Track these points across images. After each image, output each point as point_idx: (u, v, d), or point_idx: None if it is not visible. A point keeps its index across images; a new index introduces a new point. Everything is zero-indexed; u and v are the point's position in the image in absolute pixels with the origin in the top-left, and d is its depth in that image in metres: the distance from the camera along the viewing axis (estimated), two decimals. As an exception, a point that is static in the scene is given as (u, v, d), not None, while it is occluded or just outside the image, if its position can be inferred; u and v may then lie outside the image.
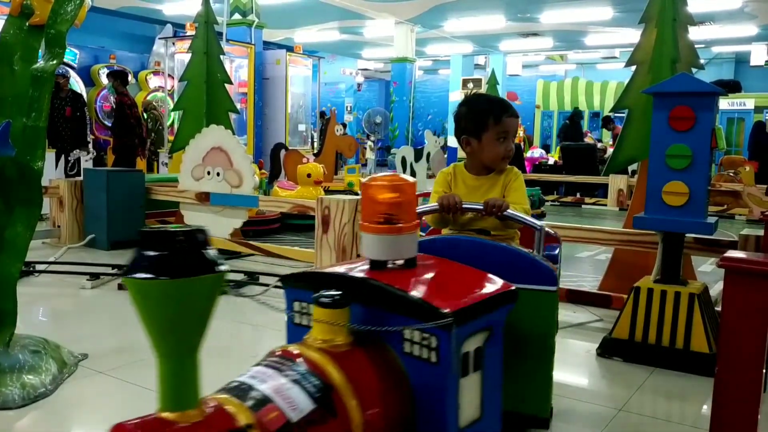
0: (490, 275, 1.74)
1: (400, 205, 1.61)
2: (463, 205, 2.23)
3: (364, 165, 16.56)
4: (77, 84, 11.36)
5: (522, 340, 2.01)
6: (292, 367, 1.36)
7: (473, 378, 1.56)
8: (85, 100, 10.22)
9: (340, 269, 1.68)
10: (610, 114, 14.73)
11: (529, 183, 11.45)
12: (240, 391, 1.28)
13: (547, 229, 2.58)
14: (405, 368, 1.51)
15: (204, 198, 5.68)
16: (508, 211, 2.16)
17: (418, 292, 1.52)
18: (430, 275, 1.69)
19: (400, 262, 1.66)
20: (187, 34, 10.00)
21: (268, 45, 13.56)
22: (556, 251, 2.52)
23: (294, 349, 1.43)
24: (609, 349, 3.34)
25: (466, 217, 2.32)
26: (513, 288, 1.71)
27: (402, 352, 1.50)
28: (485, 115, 2.35)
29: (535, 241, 2.13)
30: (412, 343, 1.49)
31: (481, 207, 2.19)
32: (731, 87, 15.09)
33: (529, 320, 2.02)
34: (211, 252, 1.15)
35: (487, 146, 2.35)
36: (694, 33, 4.39)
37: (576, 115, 15.12)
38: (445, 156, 13.22)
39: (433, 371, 1.46)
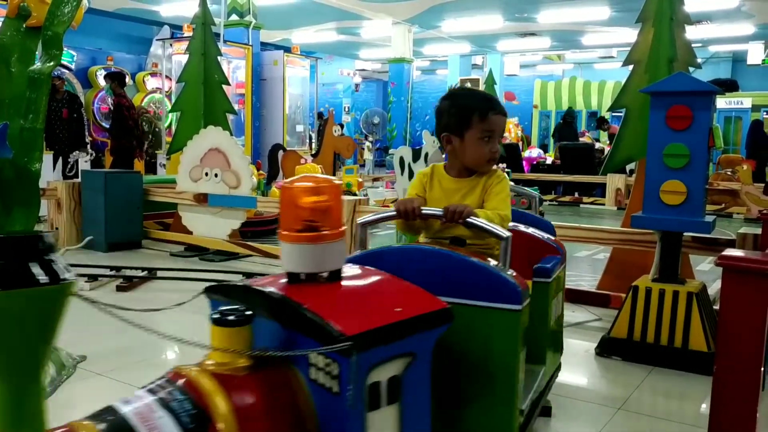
0: (424, 292, 1.51)
1: (325, 211, 1.41)
2: (423, 211, 1.99)
3: (362, 166, 16.56)
4: (74, 85, 11.35)
5: (480, 364, 1.80)
6: (172, 393, 1.23)
7: (387, 412, 1.35)
8: (82, 101, 10.21)
9: (260, 282, 1.48)
10: (605, 115, 14.76)
11: (528, 183, 11.50)
12: (103, 416, 1.17)
13: (546, 237, 2.51)
14: (312, 398, 1.31)
15: (202, 199, 5.68)
16: (472, 218, 1.90)
17: (321, 311, 1.30)
18: (350, 290, 1.48)
19: (325, 274, 1.45)
20: (185, 35, 10.00)
21: (265, 46, 13.54)
22: (551, 264, 2.32)
23: (186, 371, 1.28)
24: (608, 348, 3.34)
25: (439, 224, 2.08)
26: (446, 307, 1.47)
27: (309, 379, 1.31)
28: (470, 111, 2.12)
29: (500, 252, 1.85)
30: (317, 369, 1.29)
31: (441, 213, 1.95)
32: (728, 86, 15.14)
33: (488, 342, 1.79)
34: (58, 263, 1.04)
35: (470, 146, 2.13)
36: (691, 32, 4.40)
37: (569, 114, 15.18)
38: (443, 156, 13.20)
39: (335, 403, 1.27)
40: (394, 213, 2.04)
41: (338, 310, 1.35)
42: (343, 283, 1.47)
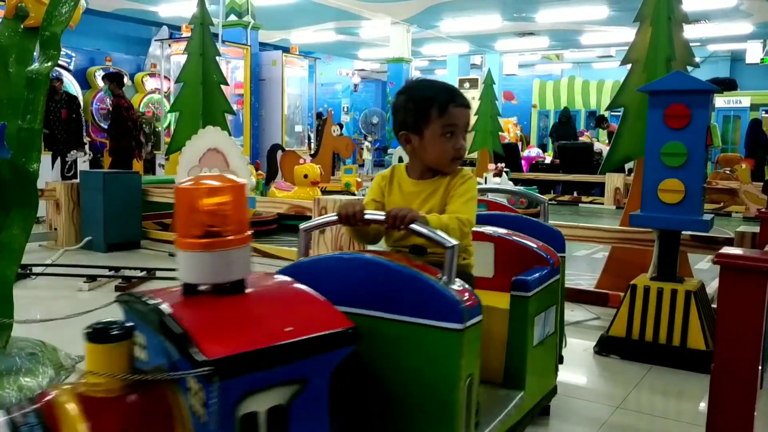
0: (332, 310, 1.34)
1: (225, 214, 1.25)
2: (365, 215, 1.75)
3: (361, 165, 16.55)
4: (72, 86, 11.34)
5: (414, 388, 1.59)
6: (27, 416, 1.12)
7: None
8: (80, 102, 10.21)
9: (156, 293, 1.31)
10: (605, 113, 14.76)
11: (526, 182, 11.50)
12: None
13: (536, 246, 2.32)
14: (191, 424, 1.17)
15: (201, 199, 5.68)
16: (414, 224, 1.64)
17: (193, 329, 1.15)
18: (243, 306, 1.29)
19: (227, 285, 1.29)
20: (183, 35, 9.99)
21: (264, 46, 13.54)
22: (533, 276, 2.11)
23: (53, 393, 1.17)
24: (606, 346, 3.34)
25: (398, 232, 1.83)
26: (350, 327, 1.30)
27: (189, 404, 1.17)
28: (427, 105, 1.91)
29: (446, 262, 1.59)
30: (193, 393, 1.15)
31: (383, 217, 1.71)
32: (727, 85, 15.15)
33: (423, 364, 1.58)
34: None
35: (431, 144, 1.92)
36: (689, 31, 4.41)
37: (564, 114, 15.21)
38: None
39: None
40: (335, 218, 1.80)
41: (213, 329, 1.18)
42: (243, 296, 1.30)
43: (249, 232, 1.30)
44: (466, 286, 1.63)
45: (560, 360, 2.62)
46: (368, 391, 1.61)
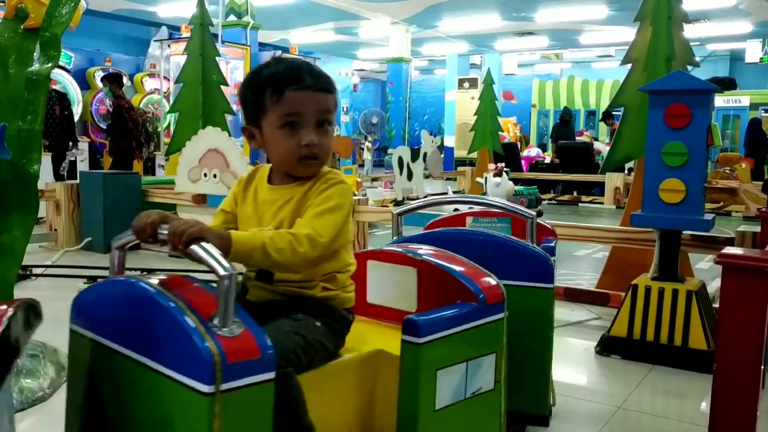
0: None
1: None
2: (159, 231, 1.33)
3: (361, 166, 16.55)
4: (71, 87, 11.34)
5: None
6: None
7: None
8: (70, 99, 10.20)
9: None
10: (611, 110, 14.75)
11: (526, 182, 11.50)
12: None
13: (460, 273, 1.71)
14: None
15: (201, 200, 5.67)
16: (198, 246, 1.22)
17: None
18: None
19: None
20: (183, 36, 10.00)
21: (263, 46, 13.55)
22: (441, 315, 1.59)
23: None
24: (607, 346, 3.34)
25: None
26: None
27: None
28: (261, 91, 1.52)
29: (220, 296, 1.15)
30: None
31: (166, 234, 1.30)
32: (726, 84, 15.17)
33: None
34: None
35: (271, 140, 1.53)
36: (689, 31, 4.41)
37: (566, 113, 15.21)
38: (442, 156, 13.21)
39: None
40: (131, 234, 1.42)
41: None
42: None
43: None
44: (249, 330, 1.16)
45: (547, 418, 2.25)
46: None
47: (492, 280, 1.73)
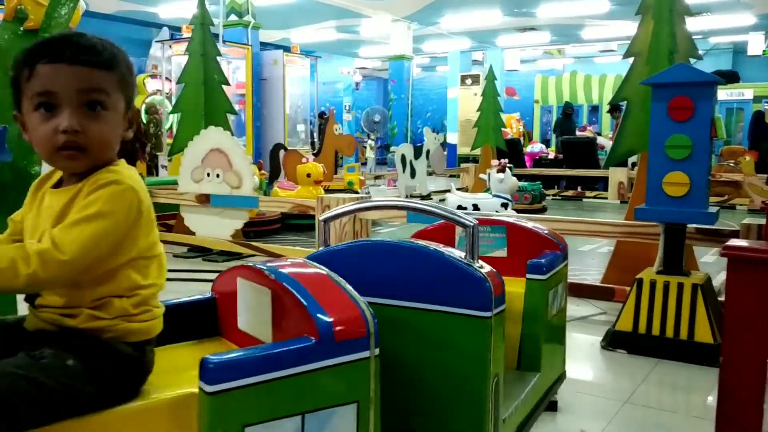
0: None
1: None
2: None
3: (364, 164, 16.55)
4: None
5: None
6: None
7: None
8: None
9: None
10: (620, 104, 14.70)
11: (530, 178, 11.49)
12: None
13: (312, 302, 1.31)
14: None
15: (204, 200, 5.68)
16: None
17: None
18: None
19: None
20: (184, 36, 9.99)
21: (264, 46, 13.53)
22: (269, 352, 1.24)
23: None
24: (613, 341, 3.33)
25: None
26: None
27: None
28: (18, 69, 1.25)
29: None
30: None
31: None
32: (729, 77, 15.10)
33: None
34: None
35: (30, 126, 1.27)
36: (691, 23, 4.38)
37: (568, 107, 15.20)
38: (445, 153, 13.20)
39: None
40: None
41: None
42: None
43: None
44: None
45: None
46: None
47: (355, 312, 1.34)
